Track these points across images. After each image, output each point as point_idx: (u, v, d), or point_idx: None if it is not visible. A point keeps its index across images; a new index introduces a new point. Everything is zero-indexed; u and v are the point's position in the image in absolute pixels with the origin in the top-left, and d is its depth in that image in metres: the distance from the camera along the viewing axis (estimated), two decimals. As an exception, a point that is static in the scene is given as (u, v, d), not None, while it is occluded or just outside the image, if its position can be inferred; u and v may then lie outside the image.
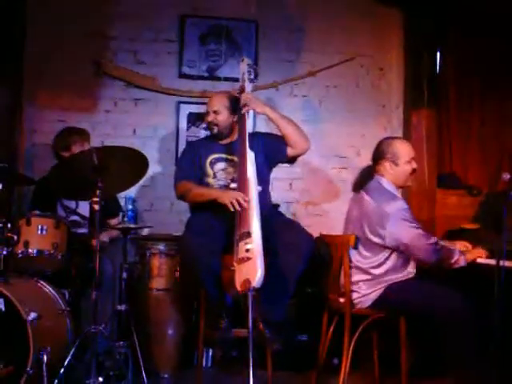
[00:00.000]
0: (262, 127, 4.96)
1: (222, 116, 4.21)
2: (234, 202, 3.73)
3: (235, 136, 4.22)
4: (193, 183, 4.12)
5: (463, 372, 3.53)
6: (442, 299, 3.63)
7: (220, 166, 4.19)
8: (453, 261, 3.71)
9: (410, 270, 3.80)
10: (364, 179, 3.95)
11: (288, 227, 3.92)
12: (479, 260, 3.78)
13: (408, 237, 3.68)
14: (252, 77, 4.23)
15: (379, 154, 3.89)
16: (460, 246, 3.91)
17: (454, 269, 3.74)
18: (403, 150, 3.87)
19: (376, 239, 3.73)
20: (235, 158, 4.11)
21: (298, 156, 4.26)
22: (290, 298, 3.90)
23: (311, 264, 3.82)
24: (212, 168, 4.18)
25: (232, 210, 3.74)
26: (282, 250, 3.74)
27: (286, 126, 4.13)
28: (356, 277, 3.79)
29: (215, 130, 4.24)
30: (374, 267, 3.76)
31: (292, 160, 4.29)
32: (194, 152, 4.29)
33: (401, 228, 3.68)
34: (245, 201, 3.72)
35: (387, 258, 3.75)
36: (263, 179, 4.09)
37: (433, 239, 3.71)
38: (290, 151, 4.17)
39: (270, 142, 4.20)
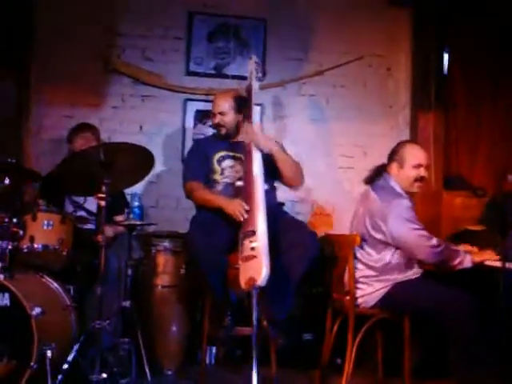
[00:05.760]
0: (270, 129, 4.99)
1: (229, 117, 4.22)
2: (238, 212, 3.75)
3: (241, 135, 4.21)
4: (201, 184, 4.13)
5: (467, 374, 3.51)
6: (448, 300, 3.61)
7: (228, 163, 4.19)
8: (456, 262, 3.70)
9: (416, 270, 3.80)
10: (375, 175, 3.96)
11: (293, 226, 3.93)
12: (486, 262, 3.76)
13: (408, 236, 3.70)
14: (259, 75, 4.23)
15: (391, 155, 3.95)
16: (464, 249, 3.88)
17: (458, 270, 3.73)
18: (411, 154, 3.88)
19: (378, 235, 3.74)
20: (242, 157, 4.10)
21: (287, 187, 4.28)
22: (294, 297, 3.90)
23: (316, 263, 3.82)
24: (219, 165, 4.18)
25: (237, 219, 3.75)
26: (286, 248, 3.75)
27: (285, 164, 4.09)
28: (361, 273, 3.80)
29: (223, 131, 4.25)
30: (378, 265, 3.76)
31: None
32: (200, 150, 4.30)
33: (402, 226, 3.70)
34: (245, 211, 3.73)
35: (391, 257, 3.76)
36: (269, 178, 4.10)
37: (434, 241, 3.70)
38: (281, 180, 4.19)
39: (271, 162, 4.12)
